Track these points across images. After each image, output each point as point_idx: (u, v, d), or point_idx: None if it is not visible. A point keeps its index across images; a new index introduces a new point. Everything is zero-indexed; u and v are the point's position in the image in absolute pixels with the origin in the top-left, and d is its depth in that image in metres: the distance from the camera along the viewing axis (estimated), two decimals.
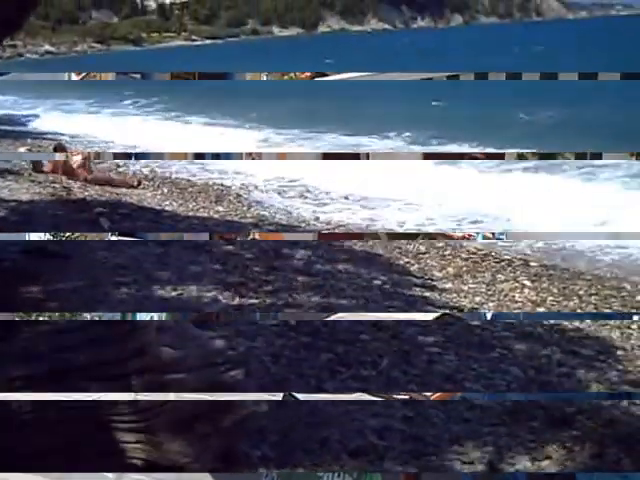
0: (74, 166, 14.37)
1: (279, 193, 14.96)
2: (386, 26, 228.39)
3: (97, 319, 2.94)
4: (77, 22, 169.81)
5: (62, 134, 24.11)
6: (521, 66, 55.50)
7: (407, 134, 24.00)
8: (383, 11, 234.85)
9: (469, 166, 17.37)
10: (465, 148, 20.58)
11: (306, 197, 14.55)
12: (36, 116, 31.54)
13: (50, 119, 29.90)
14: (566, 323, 7.40)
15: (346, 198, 14.41)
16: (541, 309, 7.94)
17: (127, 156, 16.82)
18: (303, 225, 12.12)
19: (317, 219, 12.65)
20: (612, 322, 7.56)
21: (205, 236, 8.15)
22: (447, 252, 10.35)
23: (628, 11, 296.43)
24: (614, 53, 61.32)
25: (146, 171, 17.14)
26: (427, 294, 8.17)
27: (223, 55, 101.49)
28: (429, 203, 13.88)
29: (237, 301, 6.54)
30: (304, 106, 31.79)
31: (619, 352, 6.67)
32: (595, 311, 8.00)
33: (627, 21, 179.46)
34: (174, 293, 6.59)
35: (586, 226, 11.50)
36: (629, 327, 7.41)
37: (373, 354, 5.68)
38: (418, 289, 8.34)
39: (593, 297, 8.45)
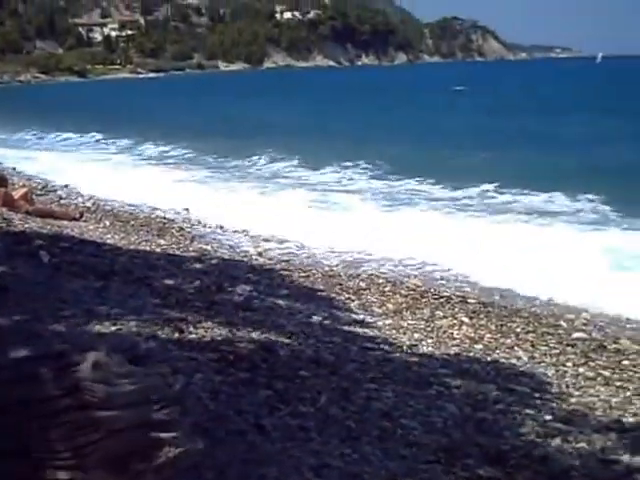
0: (15, 197, 14.19)
1: (221, 227, 14.94)
2: (331, 63, 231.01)
3: (32, 354, 2.91)
4: (21, 52, 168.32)
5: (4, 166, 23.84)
6: (447, 102, 57.49)
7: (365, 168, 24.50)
8: (328, 48, 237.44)
9: (429, 209, 17.67)
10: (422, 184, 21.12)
11: (247, 232, 14.52)
12: None
13: None
14: (503, 360, 7.54)
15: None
16: (479, 346, 8.03)
17: None
18: (246, 260, 12.10)
19: (260, 254, 12.64)
20: (548, 360, 7.71)
21: None
22: (387, 288, 10.44)
23: (567, 54, 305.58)
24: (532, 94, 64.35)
25: (89, 203, 17.03)
26: (367, 330, 8.21)
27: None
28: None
29: (176, 336, 6.50)
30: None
31: (554, 389, 6.79)
32: (532, 348, 8.11)
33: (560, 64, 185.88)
34: (113, 328, 6.52)
35: None
36: (564, 365, 7.56)
37: (312, 390, 5.68)
38: (358, 325, 8.38)
39: (530, 334, 8.59)
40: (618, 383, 7.14)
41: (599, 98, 55.66)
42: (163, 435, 2.82)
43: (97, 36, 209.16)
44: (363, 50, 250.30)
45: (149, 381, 2.90)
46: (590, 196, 18.16)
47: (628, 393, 6.88)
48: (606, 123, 37.05)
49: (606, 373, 7.41)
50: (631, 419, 6.18)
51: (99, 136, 37.23)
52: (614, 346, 8.32)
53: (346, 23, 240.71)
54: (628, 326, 9.18)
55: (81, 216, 14.58)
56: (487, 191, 19.78)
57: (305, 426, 4.97)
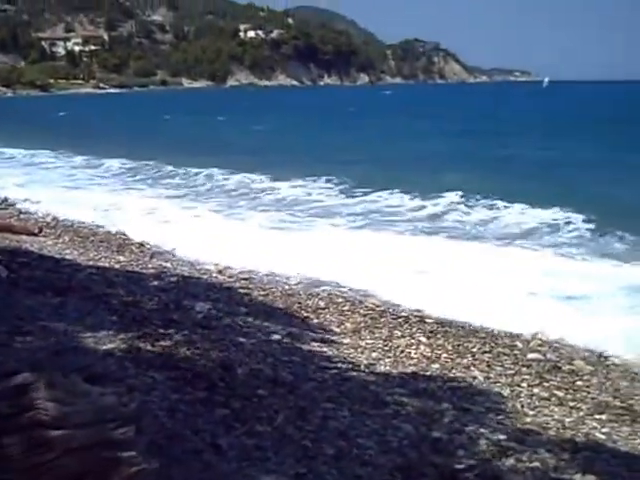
0: None
1: (179, 248, 14.77)
2: (294, 82, 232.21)
3: None
4: None
5: None
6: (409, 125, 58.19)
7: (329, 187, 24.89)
8: (291, 68, 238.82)
9: (394, 229, 17.75)
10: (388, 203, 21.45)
11: (207, 250, 14.41)
12: None
13: None
14: (459, 380, 7.60)
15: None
16: (436, 365, 8.09)
17: None
18: (205, 277, 12.05)
19: (220, 272, 12.60)
20: (503, 380, 7.80)
21: None
22: (346, 308, 10.46)
23: (526, 77, 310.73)
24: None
25: (48, 218, 16.91)
26: (325, 349, 8.24)
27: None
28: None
29: (134, 354, 6.48)
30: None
31: (509, 409, 6.86)
32: (488, 368, 8.18)
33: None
34: (70, 345, 6.48)
35: None
36: (519, 385, 7.65)
37: (269, 409, 5.70)
38: (317, 344, 8.40)
39: (486, 354, 8.66)
40: (572, 403, 7.24)
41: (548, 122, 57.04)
42: (118, 454, 2.82)
43: (60, 50, 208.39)
44: (326, 70, 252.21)
45: (105, 400, 2.90)
46: (562, 216, 18.46)
47: (581, 413, 6.98)
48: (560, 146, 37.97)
49: (560, 393, 7.50)
50: (583, 439, 6.27)
51: (60, 152, 36.92)
52: (568, 367, 8.42)
53: (309, 43, 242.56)
54: (582, 347, 9.29)
55: (40, 231, 14.48)
56: (455, 208, 20.13)
57: (261, 445, 4.98)
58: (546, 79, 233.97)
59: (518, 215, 19.20)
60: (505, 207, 20.09)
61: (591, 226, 17.45)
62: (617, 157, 32.16)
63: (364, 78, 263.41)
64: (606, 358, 8.91)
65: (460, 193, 21.56)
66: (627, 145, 37.23)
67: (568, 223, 18.02)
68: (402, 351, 8.56)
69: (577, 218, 18.21)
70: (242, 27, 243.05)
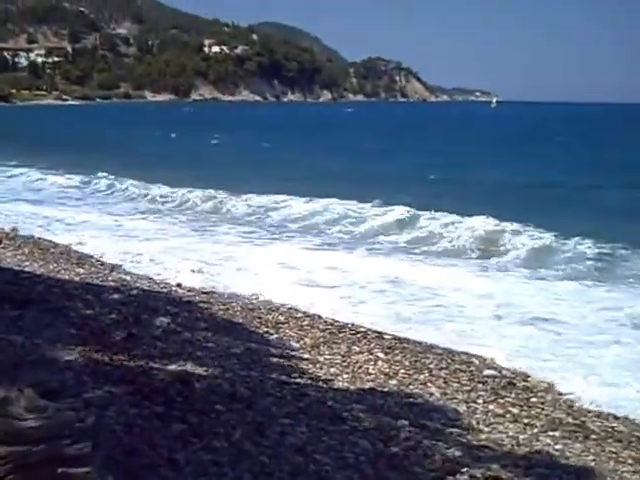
0: None
1: (138, 262, 14.65)
2: (257, 98, 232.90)
3: None
4: None
5: None
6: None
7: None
8: (255, 83, 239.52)
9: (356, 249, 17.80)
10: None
11: (169, 264, 14.38)
12: None
13: None
14: (416, 396, 7.66)
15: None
16: (393, 381, 8.14)
17: None
18: (165, 291, 12.00)
19: (179, 286, 12.56)
20: (459, 396, 7.87)
21: None
22: (305, 323, 10.47)
23: (486, 97, 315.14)
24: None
25: (7, 229, 16.78)
26: (284, 364, 8.25)
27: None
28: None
29: (92, 368, 6.45)
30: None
31: (465, 425, 6.93)
32: (444, 385, 8.25)
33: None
34: (27, 359, 6.43)
35: None
36: (475, 401, 7.72)
37: (227, 425, 5.70)
38: (275, 359, 8.42)
39: (443, 371, 8.73)
40: (526, 420, 7.33)
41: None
42: (73, 471, 2.82)
43: (23, 61, 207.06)
44: (289, 87, 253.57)
45: (61, 416, 2.90)
46: (527, 236, 18.54)
47: (535, 430, 7.07)
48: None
49: (515, 410, 7.59)
50: (537, 455, 6.35)
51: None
52: (523, 384, 8.52)
53: (273, 60, 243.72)
54: (536, 364, 9.38)
55: None
56: (410, 226, 20.31)
57: (218, 461, 4.98)
58: (494, 99, 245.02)
59: (478, 232, 19.18)
60: (462, 223, 19.95)
61: (556, 244, 17.59)
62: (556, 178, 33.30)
63: (327, 95, 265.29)
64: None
65: (413, 211, 21.51)
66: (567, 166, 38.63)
67: (533, 242, 18.07)
68: (360, 367, 8.60)
69: (543, 238, 18.19)
70: (207, 42, 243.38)
